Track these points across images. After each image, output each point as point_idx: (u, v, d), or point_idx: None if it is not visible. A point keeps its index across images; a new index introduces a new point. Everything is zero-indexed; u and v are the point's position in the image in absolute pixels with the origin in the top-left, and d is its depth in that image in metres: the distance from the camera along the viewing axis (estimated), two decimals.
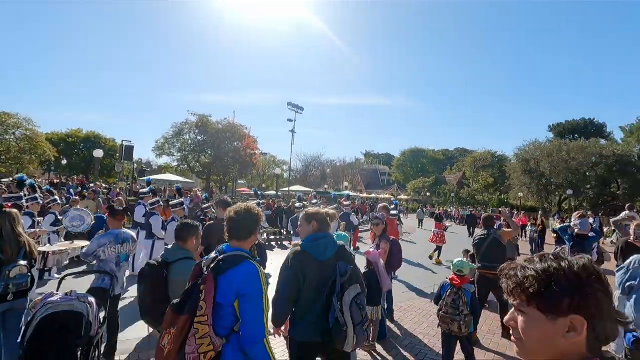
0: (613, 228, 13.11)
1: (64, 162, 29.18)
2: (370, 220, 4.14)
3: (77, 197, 10.54)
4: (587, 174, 30.14)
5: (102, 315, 3.02)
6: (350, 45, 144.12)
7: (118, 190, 14.51)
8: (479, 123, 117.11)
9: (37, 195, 7.15)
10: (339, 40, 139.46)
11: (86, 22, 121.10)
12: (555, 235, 11.10)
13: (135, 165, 24.08)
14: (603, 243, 14.45)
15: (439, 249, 10.77)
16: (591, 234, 6.53)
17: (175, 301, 1.95)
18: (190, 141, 24.31)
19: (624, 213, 9.57)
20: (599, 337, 0.80)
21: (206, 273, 1.88)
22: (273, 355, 1.91)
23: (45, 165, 32.60)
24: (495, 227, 6.44)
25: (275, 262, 4.89)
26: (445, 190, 47.86)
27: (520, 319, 0.86)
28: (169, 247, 2.96)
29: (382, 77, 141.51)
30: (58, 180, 21.24)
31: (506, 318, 0.91)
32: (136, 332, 4.72)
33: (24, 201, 6.25)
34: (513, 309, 0.89)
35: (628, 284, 3.53)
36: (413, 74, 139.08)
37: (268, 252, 8.93)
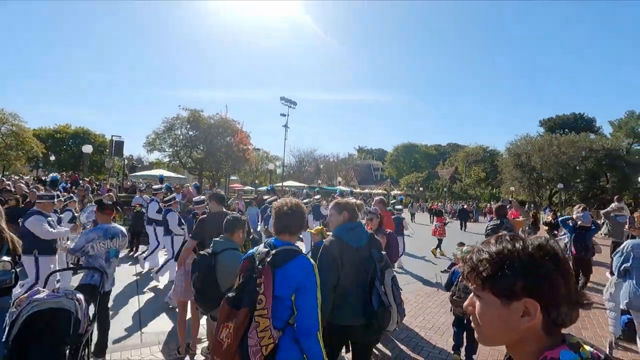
0: (603, 220, 13.51)
1: (52, 158, 28.57)
2: (365, 215, 4.17)
3: (72, 196, 10.23)
4: (577, 167, 30.58)
5: (91, 312, 2.92)
6: (343, 41, 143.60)
7: (108, 186, 14.24)
8: (471, 118, 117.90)
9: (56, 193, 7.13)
10: (332, 36, 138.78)
11: (76, 18, 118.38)
12: (547, 228, 11.29)
13: (126, 161, 23.70)
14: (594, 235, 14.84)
15: (439, 241, 10.99)
16: (592, 226, 6.82)
17: (230, 295, 1.99)
18: (181, 136, 23.96)
19: (613, 204, 10.54)
20: (556, 321, 0.76)
21: (260, 267, 1.92)
22: (323, 347, 1.94)
23: (33, 161, 31.97)
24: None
25: None
26: (438, 185, 48.19)
27: (477, 303, 0.83)
28: (217, 239, 3.15)
29: (374, 73, 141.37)
30: (46, 177, 20.76)
31: (465, 303, 0.87)
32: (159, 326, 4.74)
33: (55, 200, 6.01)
34: (472, 294, 0.85)
35: (623, 266, 3.76)
36: (406, 69, 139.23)
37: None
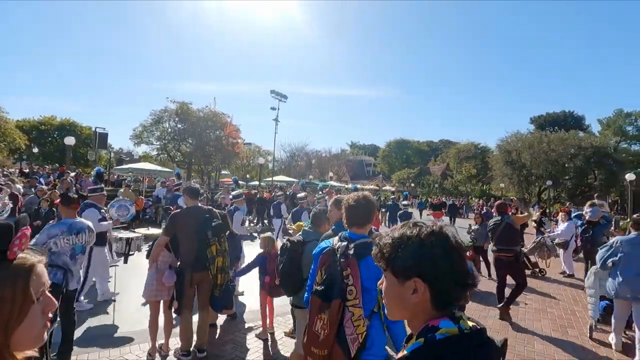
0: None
1: (35, 150, 27.79)
2: None
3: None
4: (566, 165, 30.85)
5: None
6: (336, 35, 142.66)
7: (90, 179, 13.81)
8: (463, 115, 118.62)
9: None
10: (325, 30, 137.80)
11: (64, 9, 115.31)
12: (535, 224, 11.34)
13: (113, 154, 23.14)
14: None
15: None
16: (602, 221, 7.13)
17: (318, 288, 2.04)
18: (169, 129, 23.45)
19: (594, 201, 11.43)
20: (443, 299, 0.87)
21: (343, 260, 1.99)
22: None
23: (17, 153, 31.08)
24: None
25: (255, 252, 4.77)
26: (429, 181, 48.34)
27: (384, 282, 0.95)
28: (306, 228, 3.33)
29: (367, 68, 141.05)
30: (28, 169, 20.15)
31: (379, 282, 0.99)
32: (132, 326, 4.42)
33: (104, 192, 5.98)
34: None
35: (610, 260, 4.13)
36: (399, 65, 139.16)
37: (249, 242, 8.73)
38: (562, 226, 8.50)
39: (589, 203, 7.42)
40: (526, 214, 5.91)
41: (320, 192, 12.55)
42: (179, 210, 4.24)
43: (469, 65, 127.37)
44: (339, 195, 2.92)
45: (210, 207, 4.26)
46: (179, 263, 3.91)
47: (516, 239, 5.51)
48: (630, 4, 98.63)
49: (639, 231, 4.15)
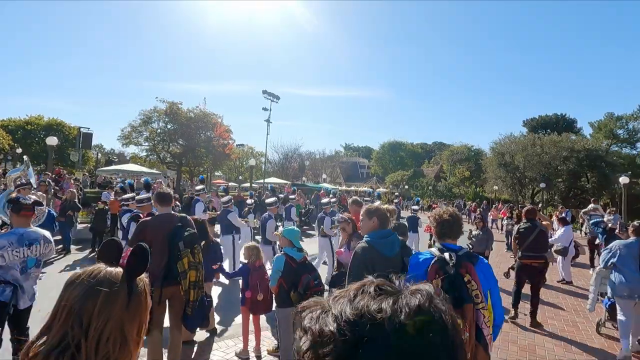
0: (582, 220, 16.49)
1: (19, 150, 27.01)
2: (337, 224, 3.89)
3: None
4: (559, 167, 30.91)
5: None
6: (332, 36, 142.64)
7: (72, 181, 13.28)
8: (457, 118, 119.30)
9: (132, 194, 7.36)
10: (320, 31, 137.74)
11: (58, 9, 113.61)
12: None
13: (100, 155, 22.52)
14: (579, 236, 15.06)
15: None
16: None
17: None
18: (159, 130, 22.85)
19: (590, 205, 12.34)
20: None
21: (459, 268, 2.16)
22: None
23: (1, 153, 30.19)
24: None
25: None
26: (423, 183, 48.28)
27: None
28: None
29: (362, 69, 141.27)
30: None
31: None
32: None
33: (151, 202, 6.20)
34: None
35: (610, 261, 4.53)
36: (394, 67, 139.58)
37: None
38: (559, 232, 8.23)
39: (608, 211, 8.21)
40: (547, 222, 6.09)
41: (332, 196, 11.72)
42: (148, 218, 3.84)
43: (463, 68, 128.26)
44: (370, 205, 2.83)
45: (185, 214, 3.87)
46: (147, 277, 3.51)
47: (547, 245, 5.67)
48: (620, 8, 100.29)
49: (638, 237, 4.52)
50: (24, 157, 8.94)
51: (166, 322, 3.60)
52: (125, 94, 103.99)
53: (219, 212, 8.29)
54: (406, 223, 7.87)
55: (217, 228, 7.92)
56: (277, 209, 8.08)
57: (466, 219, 25.31)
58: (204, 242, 4.03)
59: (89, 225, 10.39)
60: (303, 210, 15.58)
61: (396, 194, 18.34)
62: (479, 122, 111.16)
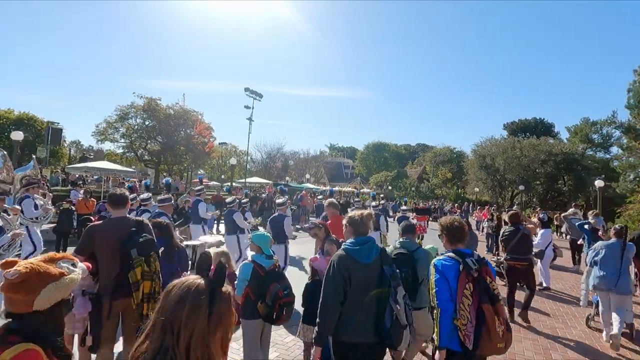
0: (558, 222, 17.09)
1: None
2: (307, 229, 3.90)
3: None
4: (537, 170, 31.64)
5: None
6: (318, 36, 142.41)
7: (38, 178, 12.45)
8: (441, 120, 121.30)
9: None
10: (307, 30, 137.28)
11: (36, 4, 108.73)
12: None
13: (72, 151, 21.51)
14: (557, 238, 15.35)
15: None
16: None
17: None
18: (136, 126, 21.99)
19: (570, 210, 12.84)
20: None
21: (477, 271, 2.43)
22: None
23: None
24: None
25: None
26: (406, 184, 48.66)
27: None
28: (402, 239, 3.72)
29: (348, 70, 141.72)
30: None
31: None
32: None
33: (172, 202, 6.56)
34: None
35: (593, 259, 5.08)
36: (379, 69, 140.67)
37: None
38: (539, 235, 8.21)
39: (592, 213, 8.30)
40: (531, 226, 6.32)
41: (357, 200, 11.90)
42: (98, 222, 3.46)
43: (449, 71, 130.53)
44: (352, 212, 2.80)
45: (141, 219, 3.50)
46: (96, 288, 3.14)
47: (530, 248, 5.91)
48: (598, 17, 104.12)
49: (619, 238, 5.04)
50: (33, 155, 8.76)
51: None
52: (105, 90, 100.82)
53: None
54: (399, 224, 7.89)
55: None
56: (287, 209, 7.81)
57: None
58: (162, 248, 3.66)
59: (54, 226, 9.74)
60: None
61: (381, 195, 18.33)
62: (462, 125, 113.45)
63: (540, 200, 32.40)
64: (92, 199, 11.02)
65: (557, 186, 32.94)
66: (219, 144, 38.20)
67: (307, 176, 34.45)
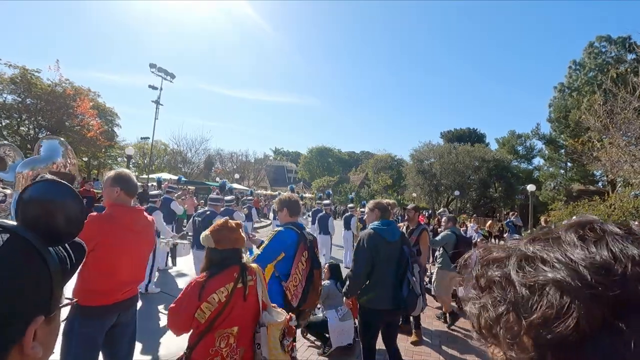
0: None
1: None
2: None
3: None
4: (471, 177, 32.01)
5: None
6: (271, 41, 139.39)
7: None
8: (384, 129, 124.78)
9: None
10: (258, 34, 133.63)
11: None
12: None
13: None
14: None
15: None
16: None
17: None
18: (5, 103, 17.20)
19: (512, 217, 12.60)
20: None
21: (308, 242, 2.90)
22: None
23: None
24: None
25: None
26: (347, 189, 47.68)
27: None
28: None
29: (295, 77, 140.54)
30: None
31: None
32: None
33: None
34: None
35: None
36: (325, 77, 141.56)
37: None
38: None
39: (513, 214, 9.44)
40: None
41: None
42: None
43: (392, 81, 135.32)
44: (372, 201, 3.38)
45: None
46: None
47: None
48: (527, 34, 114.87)
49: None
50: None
51: None
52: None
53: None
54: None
55: None
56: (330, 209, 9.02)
57: None
58: None
59: None
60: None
61: (363, 202, 15.92)
62: (403, 134, 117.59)
63: (473, 206, 32.77)
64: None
65: (489, 192, 33.65)
66: (141, 138, 33.44)
67: (237, 176, 31.13)
